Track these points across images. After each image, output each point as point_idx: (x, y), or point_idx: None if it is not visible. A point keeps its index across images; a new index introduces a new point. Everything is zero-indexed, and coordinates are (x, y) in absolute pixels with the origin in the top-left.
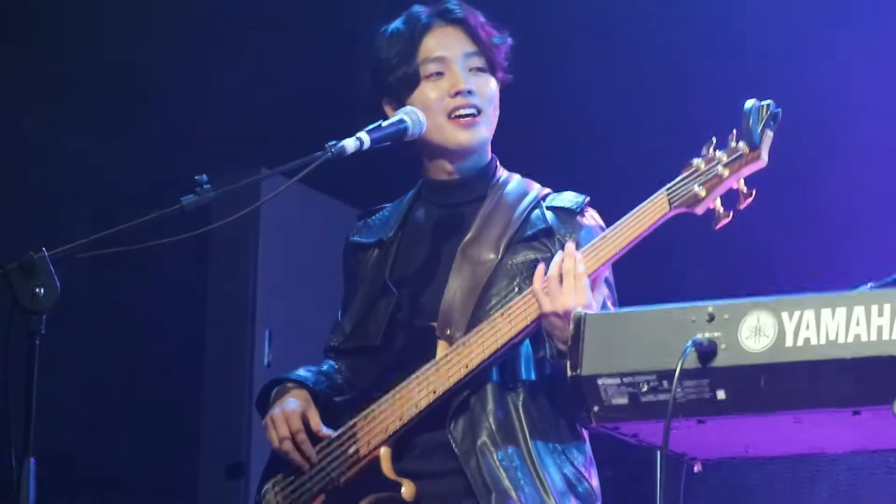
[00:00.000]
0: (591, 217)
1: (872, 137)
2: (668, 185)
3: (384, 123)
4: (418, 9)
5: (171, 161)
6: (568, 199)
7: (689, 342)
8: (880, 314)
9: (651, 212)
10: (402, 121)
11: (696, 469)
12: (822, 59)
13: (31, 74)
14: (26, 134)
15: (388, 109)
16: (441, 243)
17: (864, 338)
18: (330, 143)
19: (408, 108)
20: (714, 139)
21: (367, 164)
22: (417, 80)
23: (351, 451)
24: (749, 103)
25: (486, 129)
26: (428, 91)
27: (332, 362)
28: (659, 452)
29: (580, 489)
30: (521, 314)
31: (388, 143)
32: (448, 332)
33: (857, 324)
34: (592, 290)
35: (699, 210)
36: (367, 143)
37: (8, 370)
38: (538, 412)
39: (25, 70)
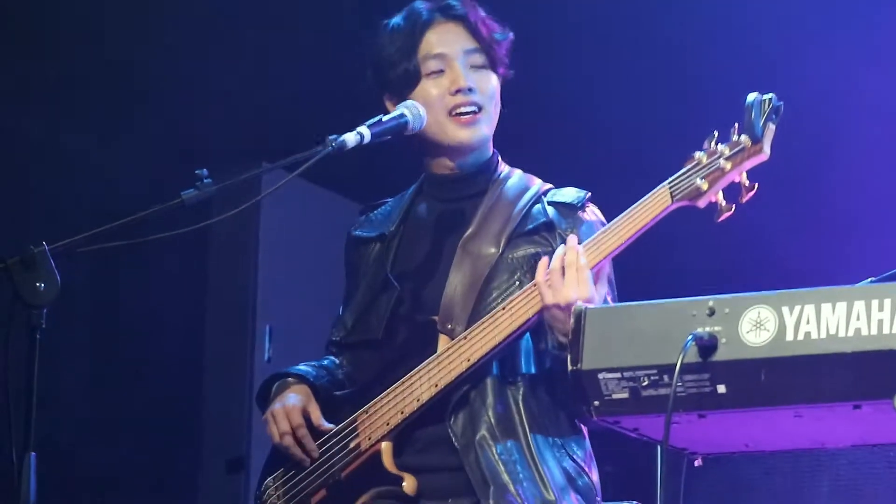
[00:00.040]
0: (593, 212)
1: (875, 135)
2: (671, 179)
3: (385, 118)
4: (419, 4)
5: (171, 160)
6: (569, 194)
7: (690, 336)
8: (881, 308)
9: (653, 205)
10: (402, 115)
11: (696, 463)
12: (824, 57)
13: (31, 74)
14: (26, 134)
15: (389, 105)
16: (442, 238)
17: (864, 332)
18: (330, 138)
19: (408, 102)
20: (716, 133)
21: (368, 159)
22: (418, 77)
23: (352, 445)
24: (751, 97)
25: (486, 127)
26: (429, 88)
27: (332, 357)
28: (659, 447)
29: (580, 483)
30: (523, 307)
31: (389, 137)
32: (449, 326)
33: (858, 318)
34: (595, 283)
35: (701, 203)
36: (367, 138)
37: (8, 365)
38: (538, 406)
39: (25, 70)
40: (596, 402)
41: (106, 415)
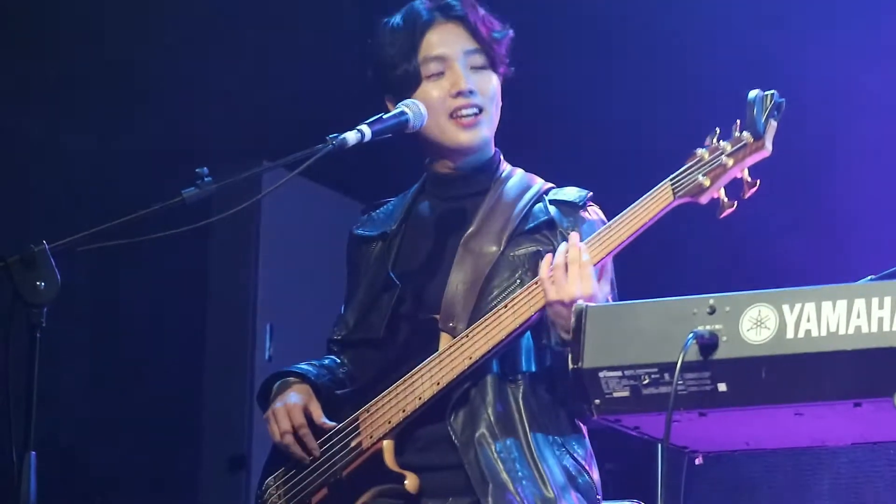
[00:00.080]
0: (594, 212)
1: (876, 133)
2: (672, 176)
3: (385, 116)
4: (418, 4)
5: (171, 159)
6: (571, 193)
7: (691, 334)
8: (881, 306)
9: (655, 202)
10: (402, 113)
11: (697, 462)
12: (826, 55)
13: (31, 74)
14: (26, 134)
15: (389, 105)
16: (444, 236)
17: (864, 330)
18: (331, 136)
19: (409, 100)
20: (718, 130)
21: (369, 157)
22: (419, 79)
23: (353, 443)
24: (753, 93)
25: (487, 129)
26: (429, 90)
27: (333, 357)
28: (660, 445)
29: (580, 482)
30: (525, 305)
31: (390, 135)
32: (451, 324)
33: (858, 316)
34: (598, 280)
35: (703, 199)
36: (368, 136)
37: (9, 363)
38: (538, 405)
39: (25, 70)
40: (597, 401)
41: (106, 414)
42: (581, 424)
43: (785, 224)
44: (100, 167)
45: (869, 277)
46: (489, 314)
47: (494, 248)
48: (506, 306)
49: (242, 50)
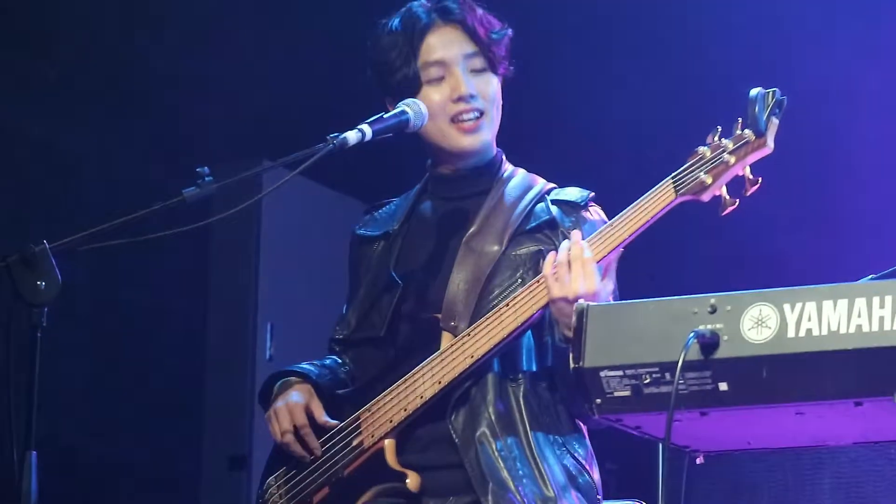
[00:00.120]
0: (596, 212)
1: (877, 132)
2: (674, 174)
3: (386, 115)
4: (416, 6)
5: (171, 158)
6: (572, 193)
7: (692, 334)
8: (882, 305)
9: (657, 200)
10: (403, 112)
11: (698, 461)
12: (828, 53)
13: (31, 74)
14: (26, 134)
15: (389, 106)
16: (446, 236)
17: (865, 329)
18: (332, 135)
19: (409, 99)
20: (719, 128)
21: (370, 157)
22: (419, 84)
23: (355, 442)
24: (754, 91)
25: (489, 132)
26: (430, 95)
27: (335, 357)
28: (661, 445)
29: (581, 481)
30: (526, 304)
31: (391, 134)
32: (452, 323)
33: (859, 315)
34: (603, 278)
35: (705, 197)
36: (368, 135)
37: (10, 363)
38: (539, 404)
39: (25, 70)
40: (598, 400)
41: (107, 413)
42: (581, 424)
43: (786, 223)
44: (100, 167)
45: (870, 276)
46: (490, 313)
47: (496, 248)
48: (507, 305)
49: (243, 49)
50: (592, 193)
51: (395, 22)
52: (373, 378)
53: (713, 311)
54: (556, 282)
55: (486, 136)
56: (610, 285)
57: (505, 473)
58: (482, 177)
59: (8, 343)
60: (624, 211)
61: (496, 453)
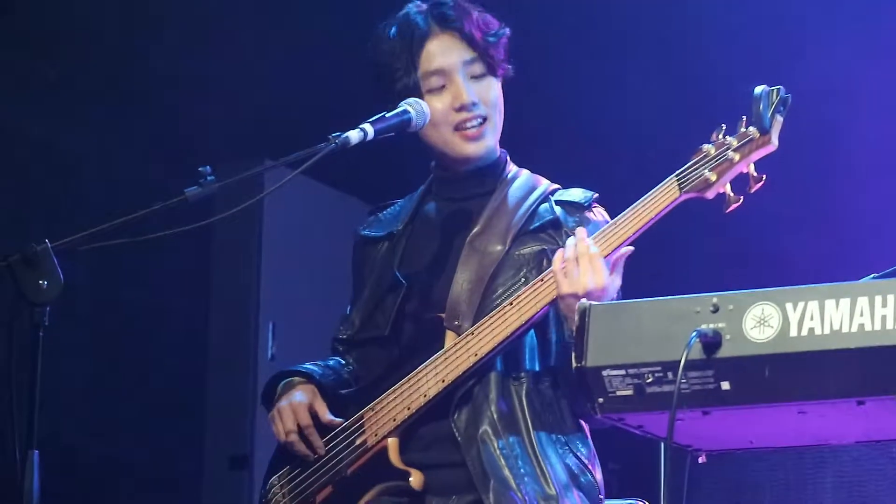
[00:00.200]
0: (599, 213)
1: (880, 131)
2: (678, 171)
3: (388, 114)
4: (414, 12)
5: (172, 158)
6: (576, 194)
7: (694, 333)
8: (884, 304)
9: (661, 197)
10: (405, 111)
11: (700, 460)
12: (831, 52)
13: (31, 74)
14: (26, 134)
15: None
16: (450, 236)
17: (867, 328)
18: (334, 135)
19: (411, 98)
20: (723, 126)
21: (371, 156)
22: (420, 94)
23: (358, 441)
24: (759, 89)
25: (492, 137)
26: (432, 103)
27: (338, 357)
28: (663, 444)
29: (583, 480)
30: (530, 302)
31: (393, 133)
32: (456, 322)
33: (861, 314)
34: (611, 273)
35: (710, 195)
36: (371, 134)
37: (12, 362)
38: (541, 403)
39: (25, 70)
40: (600, 399)
41: (109, 413)
42: (584, 423)
43: (788, 222)
44: (100, 167)
45: (872, 275)
46: (494, 311)
47: (500, 247)
48: (511, 304)
49: (243, 49)
50: (596, 194)
51: (393, 29)
52: (377, 377)
53: (715, 310)
54: (565, 278)
55: (489, 141)
56: (618, 281)
57: (506, 472)
58: (486, 178)
59: (10, 342)
60: (627, 209)
61: (498, 452)
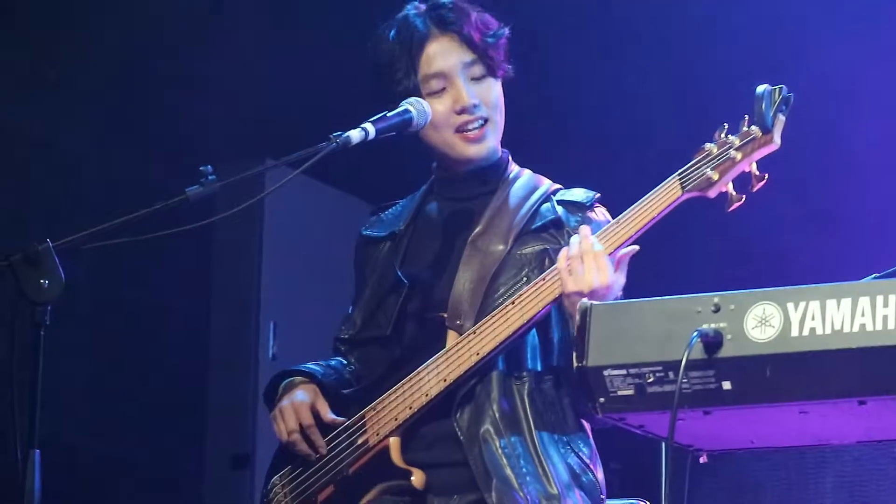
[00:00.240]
0: (601, 213)
1: (881, 131)
2: (681, 170)
3: (389, 114)
4: (412, 15)
5: (173, 158)
6: (578, 194)
7: (695, 333)
8: (885, 304)
9: (664, 196)
10: (407, 111)
11: (701, 460)
12: (834, 52)
13: (31, 74)
14: (26, 134)
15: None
16: (452, 236)
17: (869, 327)
18: (335, 134)
19: (412, 98)
20: (726, 125)
21: (373, 156)
22: (420, 97)
23: (360, 441)
24: (761, 88)
25: (493, 138)
26: (433, 105)
27: (340, 358)
28: (664, 444)
29: (584, 480)
30: (532, 301)
31: (394, 133)
32: (458, 321)
33: (863, 314)
34: (615, 271)
35: (712, 193)
36: (372, 134)
37: (13, 362)
38: (543, 402)
39: (25, 70)
40: (601, 399)
41: (110, 412)
42: (585, 423)
43: (790, 222)
44: (100, 167)
45: (873, 275)
46: (496, 311)
47: (501, 247)
48: (513, 303)
49: (244, 48)
50: (598, 194)
51: (392, 32)
52: (379, 377)
53: (717, 310)
54: (570, 275)
55: (491, 142)
56: (622, 279)
57: (508, 471)
58: (488, 178)
59: (12, 341)
60: (630, 208)
61: (500, 451)
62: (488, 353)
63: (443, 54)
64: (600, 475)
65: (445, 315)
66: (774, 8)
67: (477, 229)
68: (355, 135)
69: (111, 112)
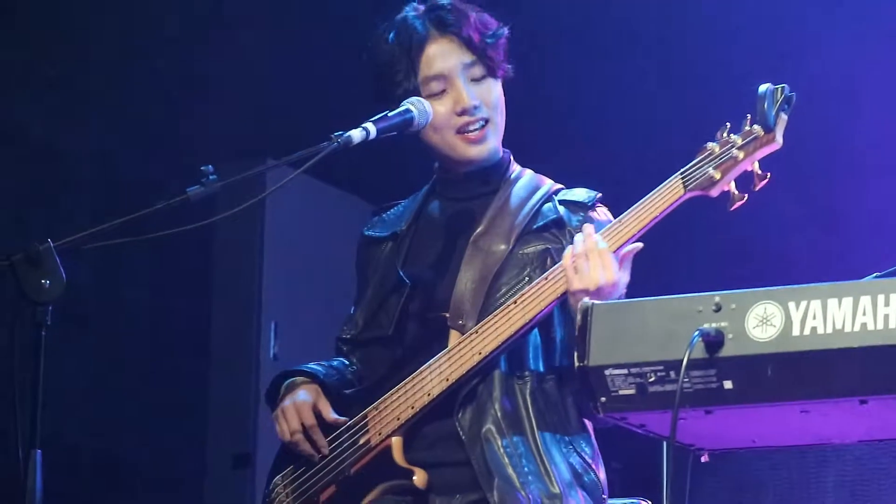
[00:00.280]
0: (603, 212)
1: (882, 130)
2: (683, 169)
3: (390, 113)
4: (411, 17)
5: (173, 157)
6: (580, 194)
7: (696, 332)
8: (886, 303)
9: (666, 195)
10: (408, 110)
11: (703, 459)
12: (835, 51)
13: (31, 74)
14: (26, 134)
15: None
16: (453, 236)
17: (870, 326)
18: (336, 134)
19: (413, 98)
20: (728, 124)
21: (374, 155)
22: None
23: (362, 441)
24: (763, 87)
25: (494, 139)
26: (435, 106)
27: (342, 358)
28: (666, 443)
29: (586, 480)
30: (534, 301)
31: (395, 133)
32: (460, 321)
33: (864, 313)
34: (620, 268)
35: (714, 192)
36: (373, 134)
37: (14, 361)
38: (545, 402)
39: (25, 70)
40: (603, 399)
41: (111, 412)
42: (588, 422)
43: (791, 221)
44: (100, 167)
45: (874, 274)
46: (498, 310)
47: (503, 247)
48: (515, 302)
49: (244, 48)
50: (600, 194)
51: (391, 34)
52: (381, 377)
53: (718, 309)
54: (576, 273)
55: (492, 143)
56: (626, 276)
57: (511, 471)
58: (490, 178)
59: (13, 341)
60: (632, 207)
61: (502, 450)
62: (490, 353)
63: (442, 56)
64: (602, 475)
65: (447, 315)
66: (774, 8)
67: (479, 229)
68: (356, 134)
69: (111, 112)
